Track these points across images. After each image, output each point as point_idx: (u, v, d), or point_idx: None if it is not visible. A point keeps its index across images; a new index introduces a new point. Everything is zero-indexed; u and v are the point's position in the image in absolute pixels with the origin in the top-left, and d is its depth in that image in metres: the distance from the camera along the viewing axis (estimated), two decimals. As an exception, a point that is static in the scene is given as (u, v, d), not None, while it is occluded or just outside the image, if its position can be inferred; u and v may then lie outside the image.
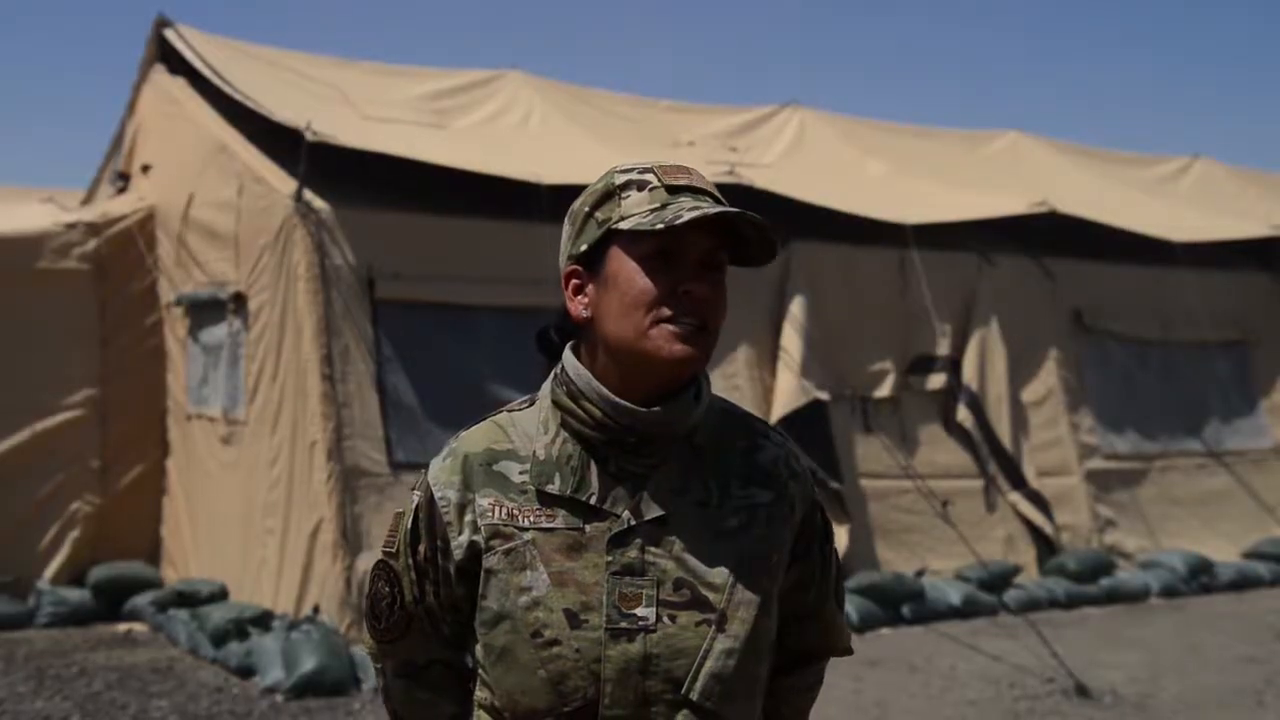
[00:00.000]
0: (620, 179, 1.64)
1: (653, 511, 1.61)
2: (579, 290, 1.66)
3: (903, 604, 8.00)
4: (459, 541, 1.65)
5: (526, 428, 1.68)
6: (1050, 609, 8.36)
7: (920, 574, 8.34)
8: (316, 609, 6.72)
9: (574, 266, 1.67)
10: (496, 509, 1.63)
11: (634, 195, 1.61)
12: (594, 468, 1.63)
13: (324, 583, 6.73)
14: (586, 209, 1.66)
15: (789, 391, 8.24)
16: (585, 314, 1.65)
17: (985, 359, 9.16)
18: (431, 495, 1.68)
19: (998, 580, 8.32)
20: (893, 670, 6.85)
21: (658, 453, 1.64)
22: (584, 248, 1.65)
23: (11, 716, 5.90)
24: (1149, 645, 7.54)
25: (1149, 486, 9.81)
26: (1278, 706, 6.30)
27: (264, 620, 6.83)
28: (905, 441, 8.80)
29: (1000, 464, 9.07)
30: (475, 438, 1.70)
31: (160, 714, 5.95)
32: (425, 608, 1.72)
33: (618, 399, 1.60)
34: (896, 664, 6.98)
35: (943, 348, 8.99)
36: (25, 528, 8.02)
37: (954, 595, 8.13)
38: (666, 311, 1.57)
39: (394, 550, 1.75)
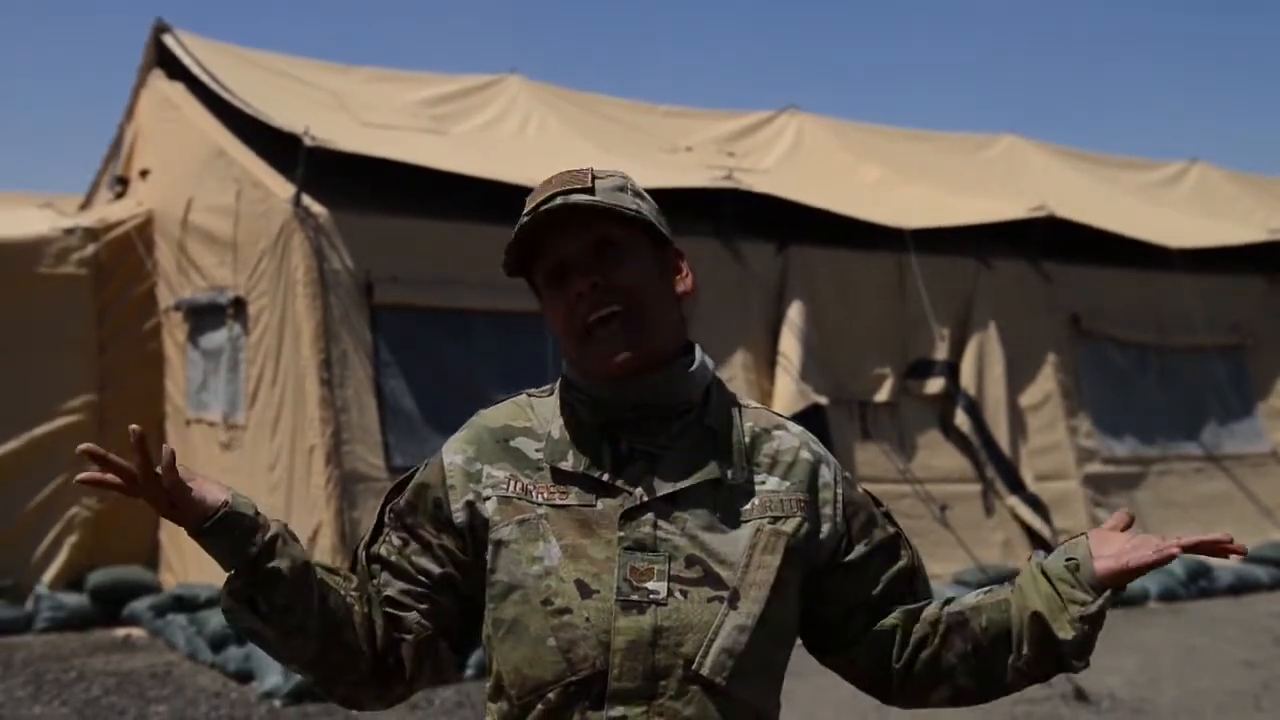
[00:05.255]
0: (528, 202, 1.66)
1: (665, 488, 1.61)
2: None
3: (901, 608, 7.99)
4: (457, 498, 1.66)
5: (544, 411, 1.71)
6: (1048, 613, 8.35)
7: (918, 578, 8.33)
8: (315, 613, 6.71)
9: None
10: (512, 482, 1.65)
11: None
12: (606, 447, 1.64)
13: (322, 587, 6.72)
14: None
15: (787, 396, 8.23)
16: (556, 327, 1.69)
17: (983, 363, 9.17)
18: (441, 461, 1.70)
19: (996, 584, 8.31)
20: (891, 674, 6.84)
21: (669, 431, 1.64)
22: None
23: (10, 721, 5.90)
24: (1147, 649, 7.54)
25: (1147, 490, 9.82)
26: (1275, 710, 6.31)
27: (262, 625, 6.82)
28: (903, 446, 8.80)
29: (998, 468, 9.07)
30: (494, 414, 1.73)
31: (159, 719, 5.95)
32: (370, 555, 1.74)
33: (595, 381, 1.63)
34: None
35: (941, 352, 9.00)
36: (24, 532, 8.03)
37: (952, 599, 8.13)
38: (580, 324, 1.61)
39: (384, 498, 1.77)
